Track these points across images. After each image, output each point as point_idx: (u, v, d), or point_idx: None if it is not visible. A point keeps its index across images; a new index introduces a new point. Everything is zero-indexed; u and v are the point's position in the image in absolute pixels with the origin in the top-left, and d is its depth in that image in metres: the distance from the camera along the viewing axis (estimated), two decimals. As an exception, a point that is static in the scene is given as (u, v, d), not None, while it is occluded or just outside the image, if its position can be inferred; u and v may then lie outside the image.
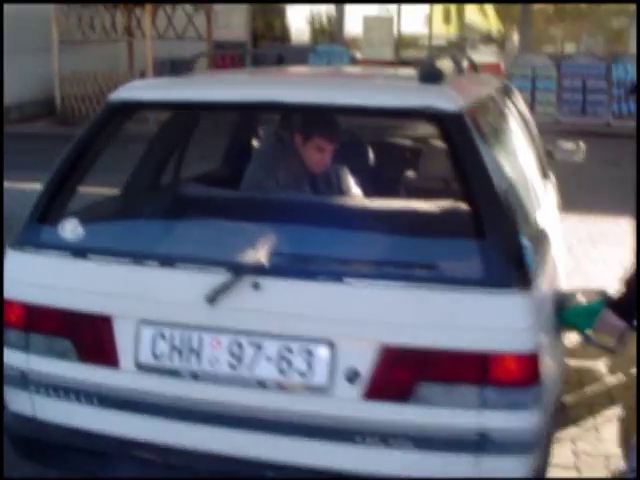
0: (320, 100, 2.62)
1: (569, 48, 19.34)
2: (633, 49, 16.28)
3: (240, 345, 2.34)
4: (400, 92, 2.73)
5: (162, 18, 15.35)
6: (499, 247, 2.26)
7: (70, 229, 2.52)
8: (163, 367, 2.40)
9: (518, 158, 3.13)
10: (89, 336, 2.48)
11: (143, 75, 14.84)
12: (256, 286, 2.31)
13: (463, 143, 2.42)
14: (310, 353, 2.31)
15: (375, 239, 2.48)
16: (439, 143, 4.68)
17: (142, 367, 2.43)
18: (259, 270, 2.32)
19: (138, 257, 2.43)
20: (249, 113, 4.26)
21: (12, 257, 2.56)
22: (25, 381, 2.56)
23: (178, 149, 3.68)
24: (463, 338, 2.23)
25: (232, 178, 4.32)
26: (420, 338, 2.26)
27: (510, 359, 2.23)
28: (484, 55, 20.26)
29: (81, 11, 14.73)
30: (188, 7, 15.72)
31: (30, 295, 2.52)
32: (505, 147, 2.97)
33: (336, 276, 2.31)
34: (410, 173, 4.69)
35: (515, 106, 3.94)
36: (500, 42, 21.47)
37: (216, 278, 2.32)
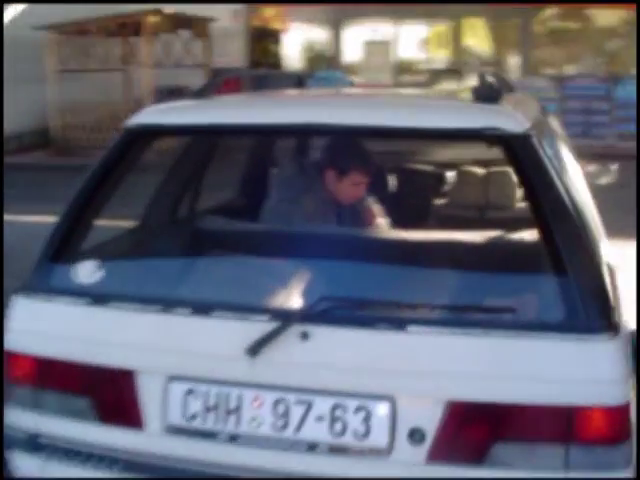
0: (375, 122, 2.32)
1: (568, 70, 19.24)
2: (634, 70, 16.18)
3: (286, 403, 2.04)
4: (459, 112, 2.45)
5: (159, 46, 15.16)
6: (583, 285, 1.97)
7: (87, 272, 2.22)
8: (196, 429, 2.09)
9: (577, 183, 2.86)
10: (110, 394, 2.17)
11: (140, 104, 14.63)
12: (304, 336, 2.01)
13: (533, 167, 2.15)
14: (368, 411, 2.01)
15: (439, 278, 2.20)
16: (470, 169, 4.45)
17: (171, 429, 2.12)
18: (307, 317, 2.02)
19: (166, 304, 2.13)
20: (268, 139, 3.99)
21: (21, 304, 2.25)
22: (36, 445, 2.24)
23: (195, 179, 3.39)
24: (544, 391, 1.94)
25: (251, 209, 4.04)
26: (494, 392, 1.96)
27: (599, 414, 1.93)
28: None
29: (77, 40, 14.54)
30: (186, 34, 15.54)
31: (41, 347, 2.21)
32: (566, 171, 2.70)
33: (397, 323, 2.01)
34: (440, 201, 4.43)
35: (556, 128, 3.69)
36: (496, 65, 21.39)
37: (258, 327, 2.02)
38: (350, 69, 20.52)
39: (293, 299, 2.13)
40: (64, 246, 2.28)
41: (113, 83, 15.39)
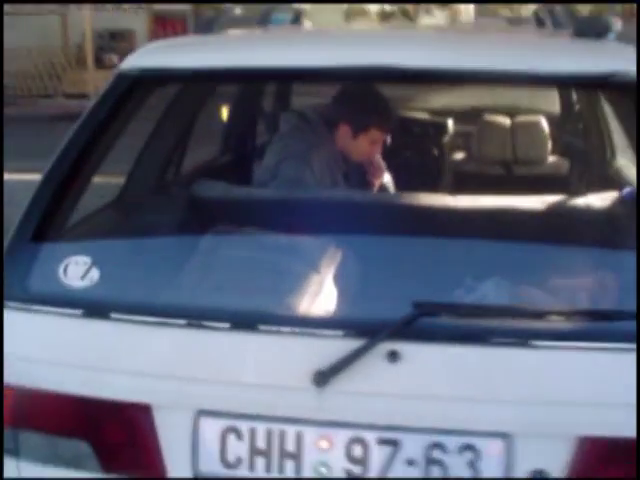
0: (475, 65, 1.75)
1: (525, 12, 18.76)
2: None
3: (365, 444, 1.51)
4: (575, 53, 1.89)
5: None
6: None
7: (77, 268, 1.63)
8: (240, 479, 1.55)
9: None
10: (117, 435, 1.60)
11: (81, 49, 13.69)
12: (393, 356, 1.47)
13: None
14: (476, 451, 1.49)
15: (569, 269, 1.68)
16: (494, 119, 3.91)
17: (206, 478, 1.57)
18: (398, 331, 1.48)
19: (192, 315, 1.56)
20: (258, 86, 3.41)
21: None
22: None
23: (185, 134, 2.80)
24: None
25: (242, 168, 3.46)
26: None
27: None
28: (438, 20, 19.54)
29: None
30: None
31: (21, 375, 1.61)
32: None
33: (518, 337, 1.49)
34: (458, 155, 3.90)
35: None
36: (449, 7, 20.79)
37: (328, 346, 1.47)
38: (298, 11, 19.65)
39: (374, 305, 1.58)
40: (45, 230, 1.68)
41: (50, 27, 14.35)
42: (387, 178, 3.14)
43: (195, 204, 2.28)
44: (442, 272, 1.72)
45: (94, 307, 1.59)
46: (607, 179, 3.22)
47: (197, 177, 2.87)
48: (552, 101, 4.86)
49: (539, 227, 1.97)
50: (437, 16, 19.43)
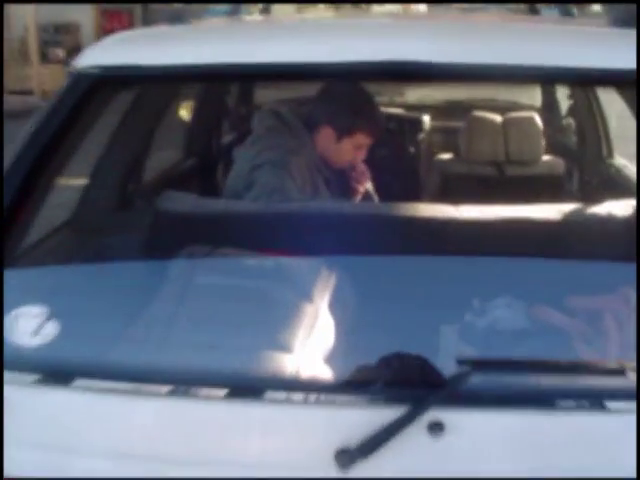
0: (529, 62, 1.46)
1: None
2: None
3: None
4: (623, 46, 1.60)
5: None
6: None
7: (31, 324, 1.30)
8: None
9: None
10: None
11: (23, 43, 13.14)
12: (436, 428, 1.17)
13: None
14: None
15: (587, 285, 1.42)
16: (484, 115, 3.64)
17: None
18: (442, 397, 1.18)
19: (179, 380, 1.25)
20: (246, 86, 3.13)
21: None
22: None
23: (146, 140, 2.47)
24: None
25: (208, 175, 3.15)
26: None
27: None
28: (391, 9, 19.33)
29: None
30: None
31: None
32: None
33: (591, 398, 1.21)
34: (444, 156, 3.61)
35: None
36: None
37: (354, 417, 1.18)
38: (248, 5, 19.27)
39: (410, 363, 1.27)
40: None
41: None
42: (369, 183, 2.87)
43: (164, 222, 1.96)
44: (459, 297, 1.45)
45: (53, 372, 1.27)
46: (608, 180, 3.00)
47: (161, 187, 2.56)
48: (532, 94, 4.62)
49: (556, 237, 1.71)
50: (387, 5, 19.23)
